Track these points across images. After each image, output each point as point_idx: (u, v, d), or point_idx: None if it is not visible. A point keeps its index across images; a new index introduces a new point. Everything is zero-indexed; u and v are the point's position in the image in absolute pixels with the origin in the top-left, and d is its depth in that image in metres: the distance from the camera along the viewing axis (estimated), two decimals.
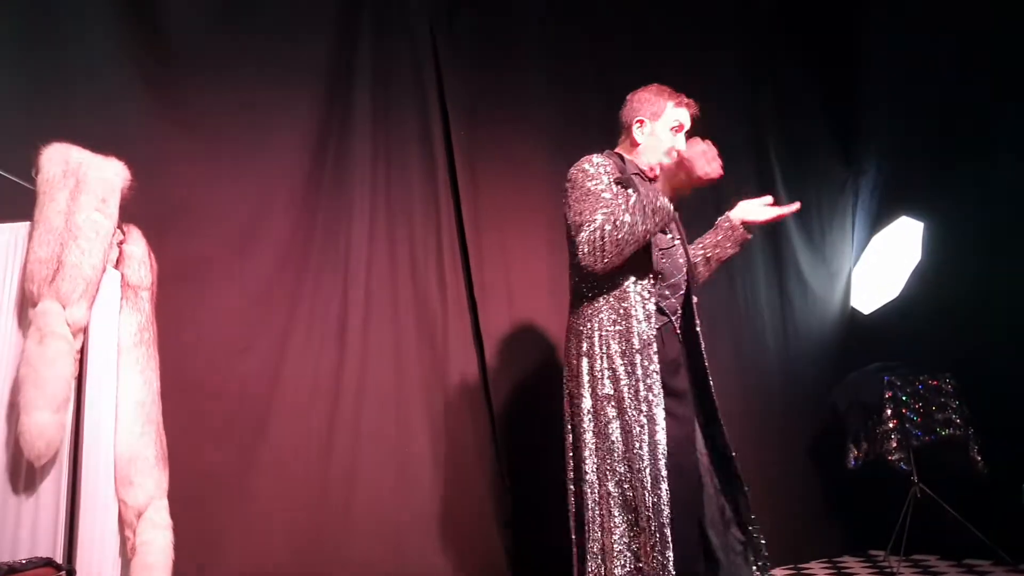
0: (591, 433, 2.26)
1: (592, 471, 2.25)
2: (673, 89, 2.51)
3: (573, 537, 2.28)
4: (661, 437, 2.18)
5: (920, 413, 3.64)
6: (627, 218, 2.16)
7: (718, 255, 2.57)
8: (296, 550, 2.72)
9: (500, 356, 3.29)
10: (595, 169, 2.32)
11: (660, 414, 2.19)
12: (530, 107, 3.57)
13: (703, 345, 2.38)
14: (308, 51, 3.07)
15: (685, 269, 2.41)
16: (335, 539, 2.80)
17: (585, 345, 2.30)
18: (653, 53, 3.97)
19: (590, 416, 2.26)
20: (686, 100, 2.49)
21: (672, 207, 2.17)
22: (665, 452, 2.17)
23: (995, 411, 3.58)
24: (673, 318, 2.35)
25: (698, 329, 2.38)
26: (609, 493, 2.20)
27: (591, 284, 2.33)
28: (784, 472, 3.91)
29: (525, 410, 3.29)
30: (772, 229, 4.26)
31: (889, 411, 3.64)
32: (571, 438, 2.34)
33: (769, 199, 2.57)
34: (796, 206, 2.56)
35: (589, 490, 2.24)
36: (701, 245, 2.60)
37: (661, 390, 2.21)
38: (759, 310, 4.13)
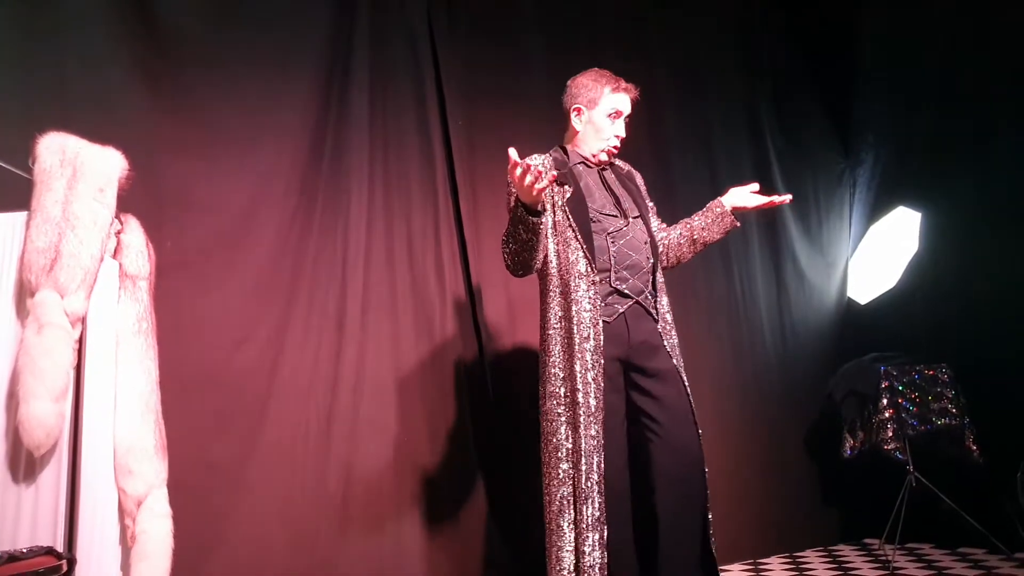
0: (544, 431, 2.37)
1: (545, 469, 2.35)
2: (612, 74, 2.52)
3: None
4: (595, 432, 2.24)
5: (916, 403, 3.65)
6: (511, 233, 2.27)
7: (704, 238, 2.59)
8: (294, 539, 2.73)
9: (498, 345, 3.30)
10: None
11: (596, 404, 2.26)
12: (528, 95, 3.55)
13: (665, 323, 2.41)
14: (305, 41, 3.06)
15: (646, 245, 2.43)
16: (333, 528, 2.82)
17: (542, 347, 2.41)
18: (651, 43, 3.97)
19: (544, 415, 2.37)
20: (624, 85, 2.50)
21: (522, 213, 2.19)
22: (600, 450, 2.23)
23: (990, 401, 3.60)
24: (639, 298, 2.37)
25: (659, 306, 2.41)
26: (557, 491, 2.29)
27: (542, 282, 2.44)
28: (780, 461, 3.93)
29: (524, 399, 3.30)
30: (770, 220, 4.27)
31: (885, 401, 3.65)
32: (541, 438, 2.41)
33: (756, 186, 2.57)
34: (787, 197, 2.56)
35: (545, 485, 2.34)
36: (689, 226, 2.61)
37: (601, 381, 2.26)
38: (756, 300, 4.13)
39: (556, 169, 2.42)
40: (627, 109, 2.51)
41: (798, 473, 4.03)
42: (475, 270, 3.31)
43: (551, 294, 2.38)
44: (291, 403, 2.83)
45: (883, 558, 3.55)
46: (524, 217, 2.20)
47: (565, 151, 2.54)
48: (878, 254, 4.36)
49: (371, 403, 2.99)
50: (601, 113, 2.48)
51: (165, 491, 2.05)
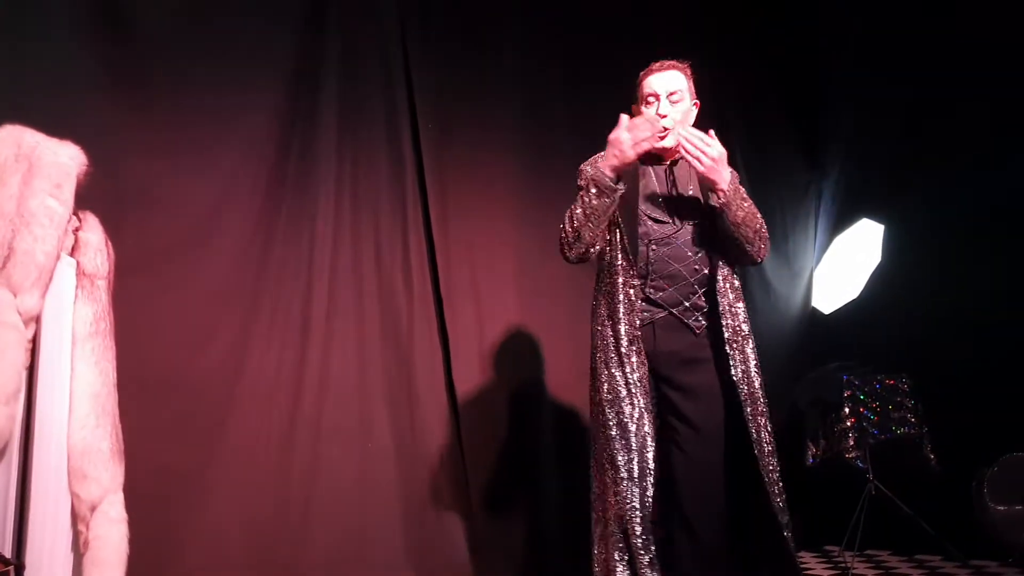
0: (593, 430, 2.30)
1: (592, 468, 2.29)
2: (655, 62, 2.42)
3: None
4: (635, 437, 2.17)
5: (877, 412, 3.71)
6: (578, 201, 2.23)
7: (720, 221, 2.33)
8: (256, 545, 2.69)
9: (465, 353, 3.29)
10: (588, 167, 2.31)
11: (639, 413, 2.20)
12: (498, 104, 3.56)
13: (726, 335, 2.25)
14: (274, 43, 3.04)
15: (697, 256, 2.30)
16: (295, 534, 2.78)
17: (592, 343, 2.34)
18: (620, 52, 3.99)
19: (592, 417, 2.32)
20: (652, 66, 2.37)
21: (607, 178, 2.16)
22: (643, 451, 2.17)
23: (948, 411, 3.67)
24: (675, 310, 2.28)
25: (723, 322, 2.26)
26: (601, 494, 2.23)
27: (596, 282, 2.38)
28: None
29: (489, 406, 3.29)
30: None
31: (847, 409, 3.70)
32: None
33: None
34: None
35: (592, 485, 2.28)
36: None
37: (642, 388, 2.21)
38: None
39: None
40: (661, 88, 2.31)
41: None
42: (443, 276, 3.29)
43: (601, 292, 2.33)
44: (253, 408, 2.80)
45: (843, 565, 3.60)
46: (602, 178, 2.16)
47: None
48: (842, 265, 4.43)
49: (335, 409, 2.96)
50: (642, 104, 2.37)
51: (121, 496, 2.00)
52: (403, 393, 3.14)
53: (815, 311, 4.54)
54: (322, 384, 2.96)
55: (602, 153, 2.30)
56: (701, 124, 4.37)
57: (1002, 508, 3.41)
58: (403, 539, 2.99)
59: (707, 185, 2.27)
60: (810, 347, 4.39)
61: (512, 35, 3.68)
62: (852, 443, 3.66)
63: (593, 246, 2.27)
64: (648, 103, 2.34)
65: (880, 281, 4.18)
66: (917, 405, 3.72)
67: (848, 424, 3.69)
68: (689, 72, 2.40)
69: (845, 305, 4.35)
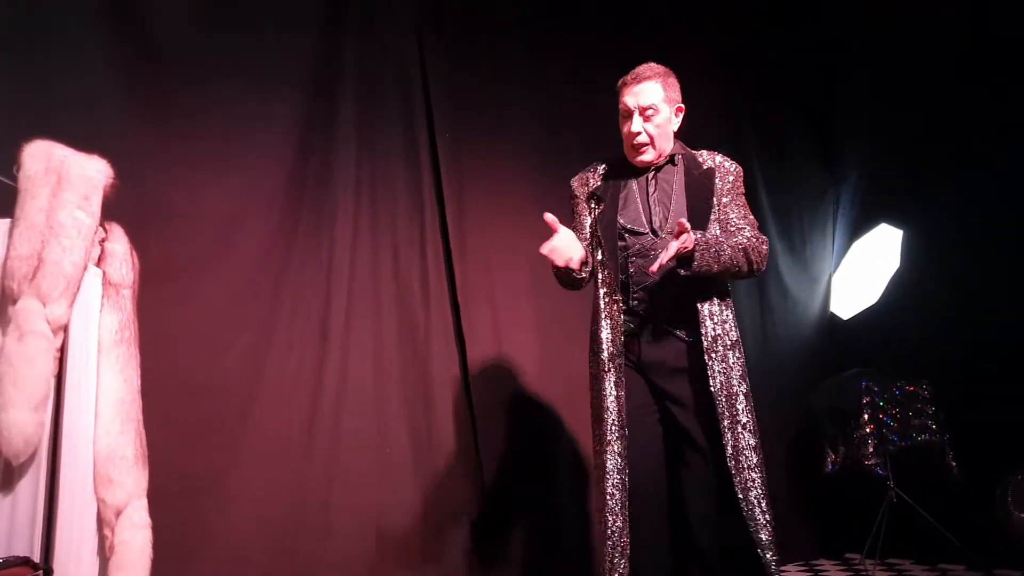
0: (594, 445, 2.37)
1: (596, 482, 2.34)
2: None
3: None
4: (619, 448, 2.24)
5: (897, 419, 3.68)
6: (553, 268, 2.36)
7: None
8: (276, 549, 2.72)
9: (481, 358, 3.30)
10: (575, 186, 2.52)
11: (619, 422, 2.26)
12: (514, 110, 3.58)
13: (705, 344, 2.24)
14: (293, 52, 3.07)
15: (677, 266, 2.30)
16: (315, 538, 2.80)
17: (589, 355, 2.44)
18: (634, 55, 3.99)
19: (593, 429, 2.38)
20: (623, 80, 2.40)
21: (565, 274, 2.35)
22: (622, 469, 2.23)
23: (970, 417, 3.64)
24: (659, 321, 2.31)
25: (702, 330, 2.25)
26: (596, 504, 2.31)
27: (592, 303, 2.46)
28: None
29: (506, 412, 3.31)
30: None
31: (866, 416, 3.68)
32: None
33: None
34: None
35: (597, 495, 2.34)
36: None
37: (623, 399, 2.26)
38: (739, 314, 4.14)
39: (603, 179, 2.45)
40: (634, 103, 2.32)
41: (779, 489, 4.02)
42: (460, 282, 3.31)
43: (595, 306, 2.40)
44: (273, 413, 2.82)
45: (864, 573, 3.57)
46: (562, 275, 2.36)
47: (624, 161, 2.45)
48: (860, 270, 4.40)
49: (353, 414, 2.98)
50: (619, 118, 2.42)
51: (145, 501, 2.04)
52: (420, 398, 3.16)
53: (834, 317, 4.51)
54: (340, 389, 2.98)
55: (591, 167, 2.48)
56: (716, 131, 4.41)
57: None
58: (420, 542, 3.01)
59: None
60: (828, 353, 4.37)
61: (527, 42, 3.70)
62: (872, 450, 3.63)
63: (577, 286, 2.45)
64: (623, 119, 2.38)
65: (899, 286, 4.15)
66: (938, 412, 3.69)
67: (867, 431, 3.66)
68: (666, 79, 2.37)
69: (864, 311, 4.33)
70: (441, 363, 3.23)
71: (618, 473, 2.21)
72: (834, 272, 4.59)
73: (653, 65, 2.38)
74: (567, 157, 3.53)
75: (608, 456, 2.23)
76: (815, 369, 4.25)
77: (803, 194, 4.57)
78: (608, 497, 2.22)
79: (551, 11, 3.78)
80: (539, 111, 3.64)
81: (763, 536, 2.20)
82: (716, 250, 2.23)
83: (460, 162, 3.42)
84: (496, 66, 3.60)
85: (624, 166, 2.43)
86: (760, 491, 2.22)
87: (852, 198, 4.56)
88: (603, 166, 2.48)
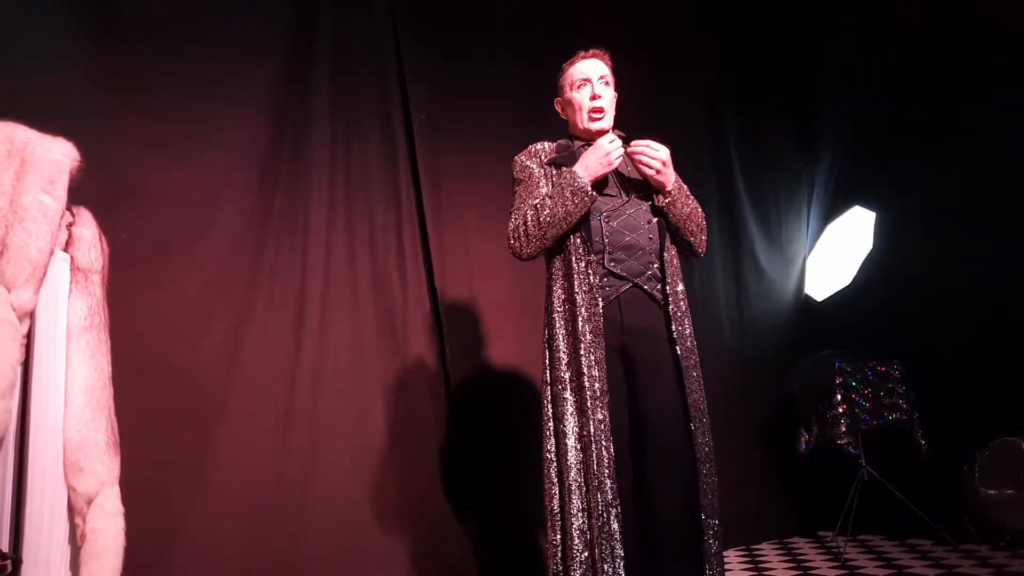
0: (550, 416, 2.29)
1: (552, 457, 2.27)
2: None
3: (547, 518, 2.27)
4: (602, 416, 2.17)
5: (869, 398, 3.75)
6: (548, 202, 2.28)
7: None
8: (252, 537, 2.70)
9: (460, 344, 3.30)
10: (524, 159, 2.45)
11: (601, 388, 2.20)
12: (491, 93, 3.56)
13: (676, 308, 2.30)
14: (267, 34, 3.02)
15: (649, 225, 2.33)
16: (292, 526, 2.79)
17: (546, 332, 2.35)
18: (614, 42, 3.98)
19: (548, 401, 2.31)
20: (581, 53, 2.48)
21: (589, 188, 2.25)
22: (608, 435, 2.16)
23: (940, 396, 3.71)
24: (638, 280, 2.30)
25: (668, 290, 2.30)
26: (566, 476, 2.21)
27: (548, 266, 2.39)
28: (737, 456, 3.98)
29: (485, 397, 3.31)
30: (730, 217, 4.33)
31: (839, 396, 3.74)
32: (544, 423, 2.33)
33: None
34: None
35: (552, 473, 2.27)
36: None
37: (604, 364, 2.20)
38: (715, 295, 4.19)
39: (558, 152, 2.42)
40: (593, 72, 2.42)
41: (754, 467, 4.10)
42: (438, 267, 3.30)
43: (555, 276, 2.34)
44: (249, 399, 2.80)
45: (836, 550, 3.64)
46: (583, 186, 2.25)
47: (571, 139, 2.49)
48: (834, 252, 4.46)
49: (330, 400, 2.97)
50: (569, 90, 2.45)
51: (117, 489, 2.01)
52: (398, 384, 3.15)
53: (808, 298, 4.56)
54: (317, 376, 2.96)
55: (539, 144, 2.46)
56: (694, 115, 4.40)
57: (993, 492, 3.45)
58: (399, 530, 3.01)
59: (655, 187, 2.35)
60: (803, 334, 4.43)
61: (504, 26, 3.68)
62: (844, 429, 3.69)
63: (554, 241, 2.33)
64: (579, 88, 2.43)
65: (872, 268, 4.21)
66: (908, 391, 3.76)
67: (840, 411, 3.72)
68: (610, 62, 2.49)
69: (838, 292, 4.38)
70: (419, 348, 3.22)
71: (604, 443, 2.17)
72: (809, 254, 4.63)
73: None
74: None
75: (592, 423, 2.17)
76: (789, 350, 4.31)
77: (779, 176, 4.61)
78: (596, 466, 2.15)
79: None
80: (515, 95, 3.62)
81: (704, 502, 2.22)
82: (687, 193, 2.40)
83: (436, 146, 3.39)
84: (472, 50, 3.57)
85: (571, 143, 2.45)
86: (709, 463, 2.27)
87: (827, 180, 4.60)
88: (549, 143, 2.48)
